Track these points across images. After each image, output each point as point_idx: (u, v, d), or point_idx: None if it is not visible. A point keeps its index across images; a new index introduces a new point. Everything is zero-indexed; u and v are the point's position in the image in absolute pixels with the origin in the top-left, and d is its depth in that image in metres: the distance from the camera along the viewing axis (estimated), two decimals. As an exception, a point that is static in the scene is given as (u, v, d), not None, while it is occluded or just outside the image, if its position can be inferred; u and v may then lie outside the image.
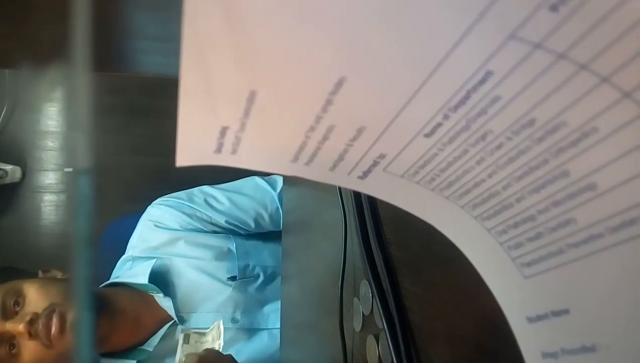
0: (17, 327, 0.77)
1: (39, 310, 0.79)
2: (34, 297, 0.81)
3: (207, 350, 0.70)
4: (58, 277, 0.91)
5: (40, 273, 0.91)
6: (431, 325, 0.30)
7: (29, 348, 0.78)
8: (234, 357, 0.74)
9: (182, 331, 0.75)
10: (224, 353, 0.74)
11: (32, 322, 0.77)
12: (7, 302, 0.79)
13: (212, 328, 0.75)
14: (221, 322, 0.73)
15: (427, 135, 0.17)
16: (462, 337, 0.28)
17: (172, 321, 0.91)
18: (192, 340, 0.73)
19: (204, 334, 0.75)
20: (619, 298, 0.15)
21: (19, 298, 0.80)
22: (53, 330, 0.77)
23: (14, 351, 0.78)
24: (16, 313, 0.79)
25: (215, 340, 0.73)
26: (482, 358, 0.26)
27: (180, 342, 0.73)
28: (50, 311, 0.79)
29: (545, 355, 0.18)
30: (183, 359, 0.69)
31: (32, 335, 0.77)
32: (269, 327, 0.93)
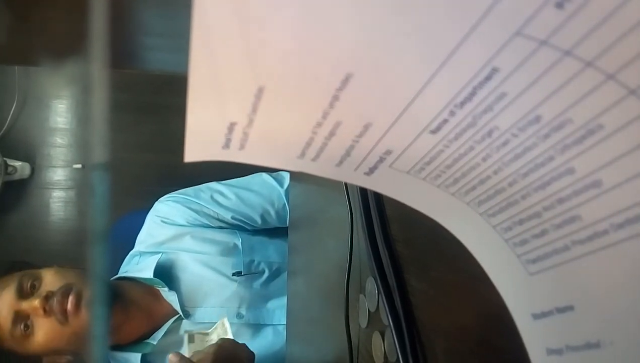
0: (33, 303, 0.78)
1: (55, 288, 0.80)
2: (50, 279, 0.82)
3: (223, 339, 0.71)
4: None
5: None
6: (437, 322, 0.30)
7: (43, 326, 0.80)
8: (240, 353, 0.74)
9: (185, 332, 0.76)
10: None
11: (47, 299, 0.79)
12: (24, 284, 0.81)
13: (216, 326, 0.75)
14: (226, 320, 0.74)
15: (433, 132, 0.17)
16: (468, 334, 0.28)
17: (177, 315, 0.91)
18: (197, 340, 0.74)
19: (207, 333, 0.75)
20: (623, 295, 0.15)
21: (35, 281, 0.82)
22: (69, 306, 0.79)
23: (28, 331, 0.80)
24: (32, 294, 0.81)
25: (221, 337, 0.73)
26: (487, 355, 0.26)
27: (186, 342, 0.74)
28: (66, 289, 0.80)
29: (550, 351, 0.18)
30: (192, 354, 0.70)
31: (46, 311, 0.78)
32: (274, 323, 0.94)
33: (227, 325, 0.74)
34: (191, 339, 0.75)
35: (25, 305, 0.79)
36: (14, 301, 0.79)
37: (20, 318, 0.79)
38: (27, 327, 0.80)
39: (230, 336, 0.72)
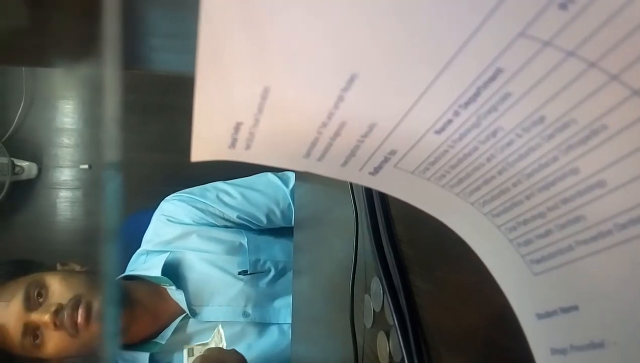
0: (43, 317, 0.78)
1: (64, 301, 0.80)
2: (58, 288, 0.82)
3: (209, 349, 0.71)
4: (77, 269, 0.93)
5: (58, 266, 0.93)
6: (441, 322, 0.31)
7: (53, 338, 0.80)
8: (245, 352, 0.75)
9: (185, 347, 0.77)
10: (234, 346, 0.75)
11: (57, 313, 0.78)
12: (30, 294, 0.81)
13: (213, 336, 0.77)
14: (220, 327, 0.75)
15: (438, 132, 0.17)
16: (472, 334, 0.28)
17: (184, 314, 0.92)
18: (196, 353, 0.75)
19: (206, 344, 0.76)
20: (627, 295, 0.15)
21: (42, 289, 0.81)
22: (79, 320, 0.79)
23: (37, 341, 0.80)
24: (40, 304, 0.81)
25: (217, 345, 0.74)
26: (491, 355, 0.26)
27: (185, 355, 0.75)
28: (75, 301, 0.80)
29: (555, 351, 0.18)
30: None
31: (57, 325, 0.78)
32: (280, 322, 0.94)
33: (222, 332, 0.75)
34: (190, 352, 0.76)
35: (35, 317, 0.79)
36: (23, 313, 0.79)
37: (30, 329, 0.79)
38: (36, 336, 0.80)
39: (224, 344, 0.73)
